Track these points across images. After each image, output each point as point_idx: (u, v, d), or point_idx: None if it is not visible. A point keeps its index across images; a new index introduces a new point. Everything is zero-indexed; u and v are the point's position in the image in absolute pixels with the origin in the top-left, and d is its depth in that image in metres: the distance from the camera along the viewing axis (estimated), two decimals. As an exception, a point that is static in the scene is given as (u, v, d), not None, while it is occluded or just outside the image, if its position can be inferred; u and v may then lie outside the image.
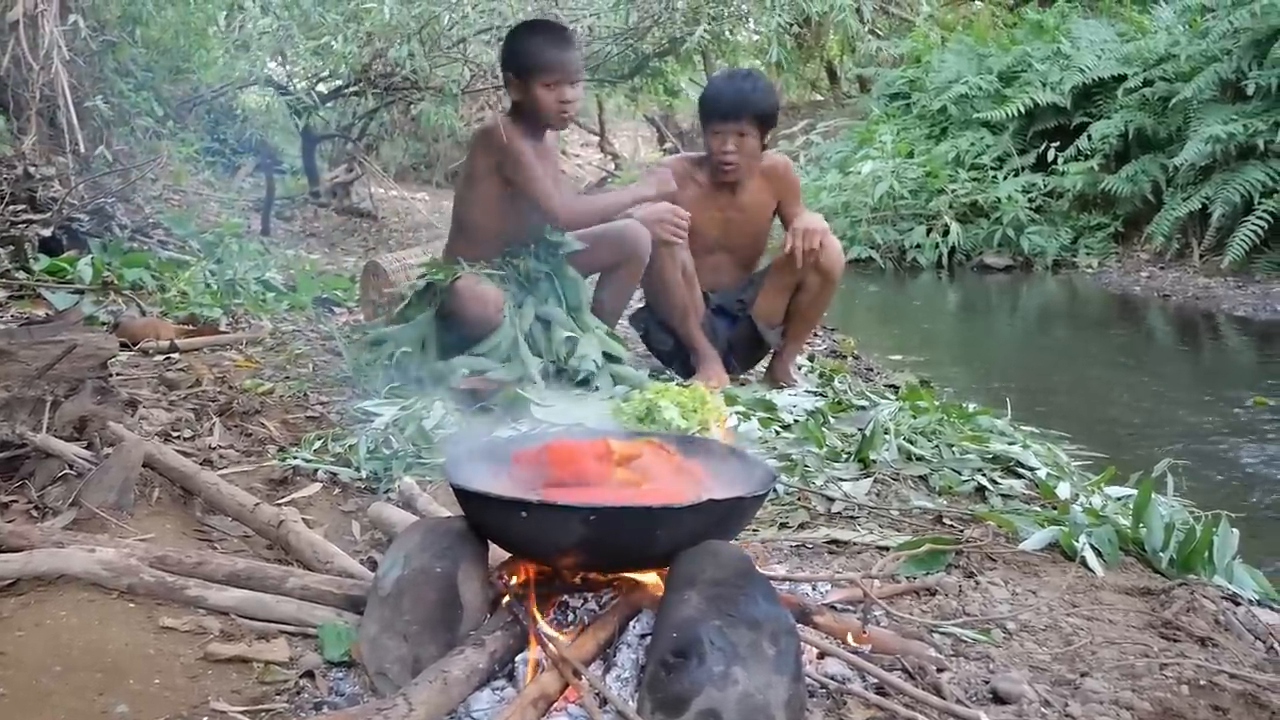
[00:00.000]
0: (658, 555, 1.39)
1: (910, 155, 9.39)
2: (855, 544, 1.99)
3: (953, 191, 8.85)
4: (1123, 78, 8.71)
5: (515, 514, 1.37)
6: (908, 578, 1.85)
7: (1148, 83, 8.50)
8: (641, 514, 1.36)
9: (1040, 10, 11.43)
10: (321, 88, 7.41)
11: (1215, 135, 7.31)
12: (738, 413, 2.78)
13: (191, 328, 3.55)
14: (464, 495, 1.44)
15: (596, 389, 3.02)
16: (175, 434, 2.45)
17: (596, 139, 19.48)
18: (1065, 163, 8.69)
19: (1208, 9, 8.73)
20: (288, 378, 3.02)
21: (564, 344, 3.00)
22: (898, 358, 4.92)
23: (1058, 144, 8.86)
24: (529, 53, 3.08)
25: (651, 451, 1.56)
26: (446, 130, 8.95)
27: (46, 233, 4.15)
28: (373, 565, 1.84)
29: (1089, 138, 8.60)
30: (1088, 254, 8.30)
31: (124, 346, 3.20)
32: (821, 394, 3.23)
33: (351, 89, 7.00)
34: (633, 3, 6.56)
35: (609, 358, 3.13)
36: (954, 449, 2.62)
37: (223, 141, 9.42)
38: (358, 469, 2.33)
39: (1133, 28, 9.52)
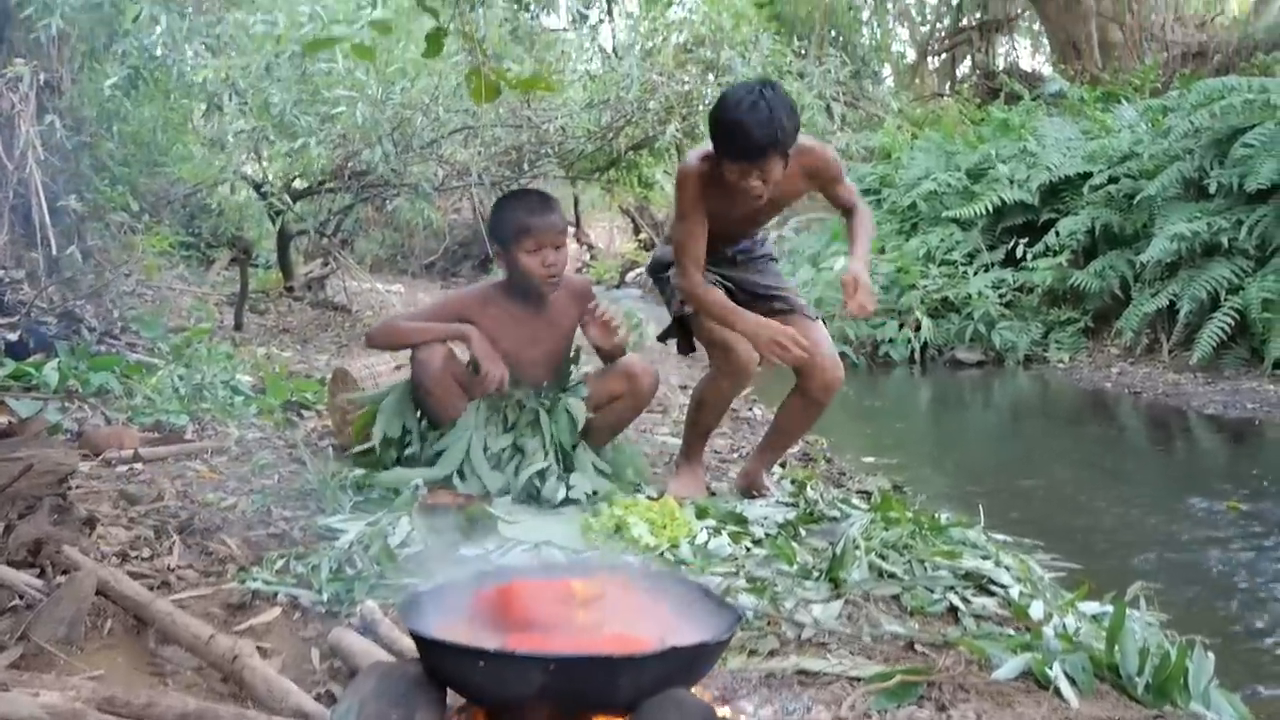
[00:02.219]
0: (620, 704, 1.36)
1: (882, 251, 9.48)
2: (826, 674, 1.95)
3: (924, 287, 8.92)
4: (1088, 175, 8.86)
5: (473, 662, 1.34)
6: (879, 712, 1.81)
7: (1113, 180, 8.64)
8: (603, 663, 1.33)
9: (1006, 109, 11.67)
10: (297, 183, 7.44)
11: (1180, 233, 7.43)
12: (708, 528, 2.75)
13: (156, 435, 3.51)
14: (421, 641, 1.40)
15: (566, 503, 3.00)
16: (134, 553, 2.40)
17: (573, 230, 19.63)
18: (1034, 259, 8.79)
19: (1169, 109, 8.93)
20: (251, 491, 2.97)
21: (535, 477, 2.98)
22: (871, 460, 4.91)
23: (1026, 240, 8.98)
24: (509, 221, 3.18)
25: (614, 591, 1.52)
26: (422, 224, 9.01)
27: (13, 336, 4.11)
28: (330, 700, 1.79)
29: (1057, 234, 8.71)
30: (1058, 349, 8.36)
31: (86, 457, 3.16)
32: (793, 504, 3.20)
33: (326, 186, 7.03)
34: (606, 104, 6.64)
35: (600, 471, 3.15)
36: (926, 565, 2.59)
37: (197, 235, 9.45)
38: (319, 591, 2.27)
39: (1097, 126, 9.72)
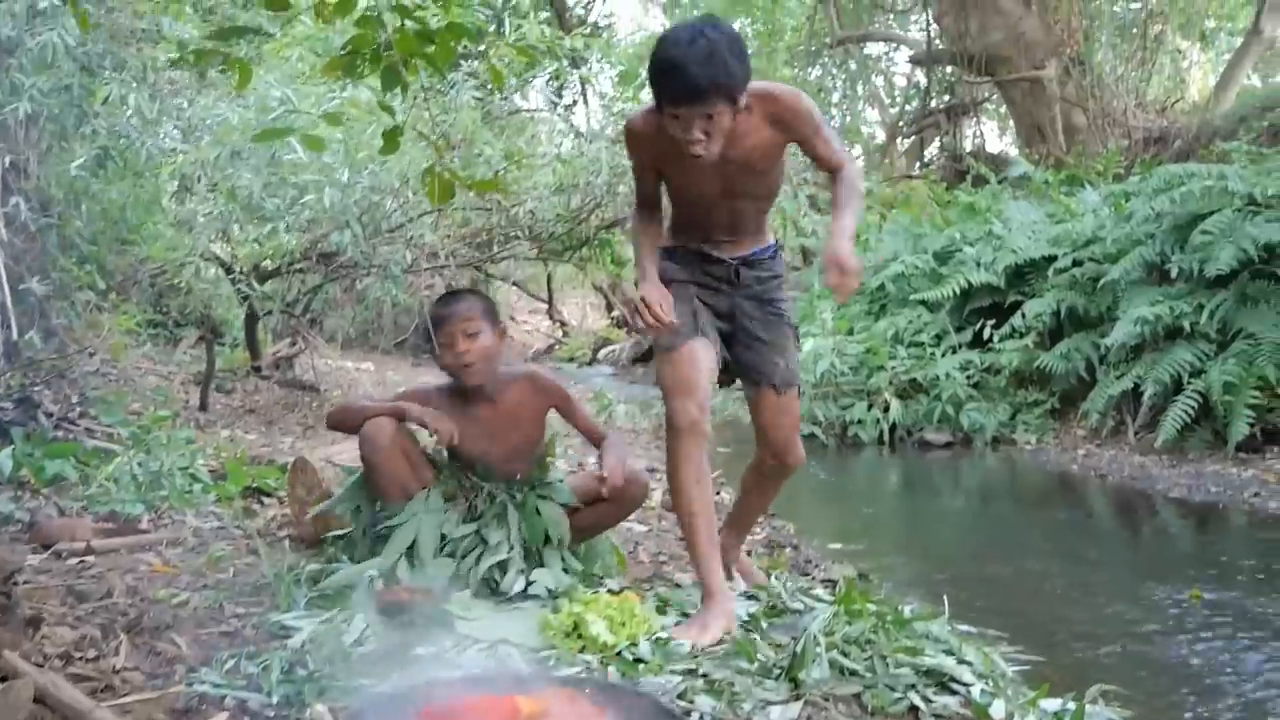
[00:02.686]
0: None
1: (850, 332, 9.55)
2: (781, 784, 1.92)
3: (893, 368, 8.97)
4: (1053, 258, 8.97)
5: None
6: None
7: (1077, 263, 8.75)
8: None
9: (973, 191, 11.85)
10: (266, 264, 7.44)
11: (1143, 316, 7.51)
12: (668, 625, 2.72)
13: (111, 526, 3.45)
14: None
15: (526, 596, 2.96)
16: (78, 655, 2.34)
17: (546, 307, 19.72)
18: (1001, 340, 8.87)
19: (1130, 194, 9.08)
20: (204, 586, 2.92)
21: (494, 568, 2.94)
22: (838, 546, 4.89)
23: (993, 322, 9.06)
24: (428, 323, 3.24)
25: (561, 707, 1.50)
26: (391, 303, 9.00)
27: (-33, 423, 4.07)
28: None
29: (1023, 316, 8.79)
30: (1026, 430, 8.40)
31: (36, 550, 3.11)
32: (756, 597, 3.17)
33: (295, 267, 7.03)
34: (575, 188, 6.70)
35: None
36: (888, 661, 2.56)
37: (165, 314, 9.41)
38: (269, 694, 2.23)
39: (1061, 209, 9.87)
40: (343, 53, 2.53)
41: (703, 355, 2.89)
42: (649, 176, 2.97)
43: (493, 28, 7.47)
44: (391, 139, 2.28)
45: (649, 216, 3.02)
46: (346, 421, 3.21)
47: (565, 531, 3.11)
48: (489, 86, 7.50)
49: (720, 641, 2.65)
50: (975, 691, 2.43)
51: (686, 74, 2.53)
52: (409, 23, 2.41)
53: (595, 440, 3.34)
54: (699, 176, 2.82)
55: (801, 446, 3.13)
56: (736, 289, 3.03)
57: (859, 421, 8.68)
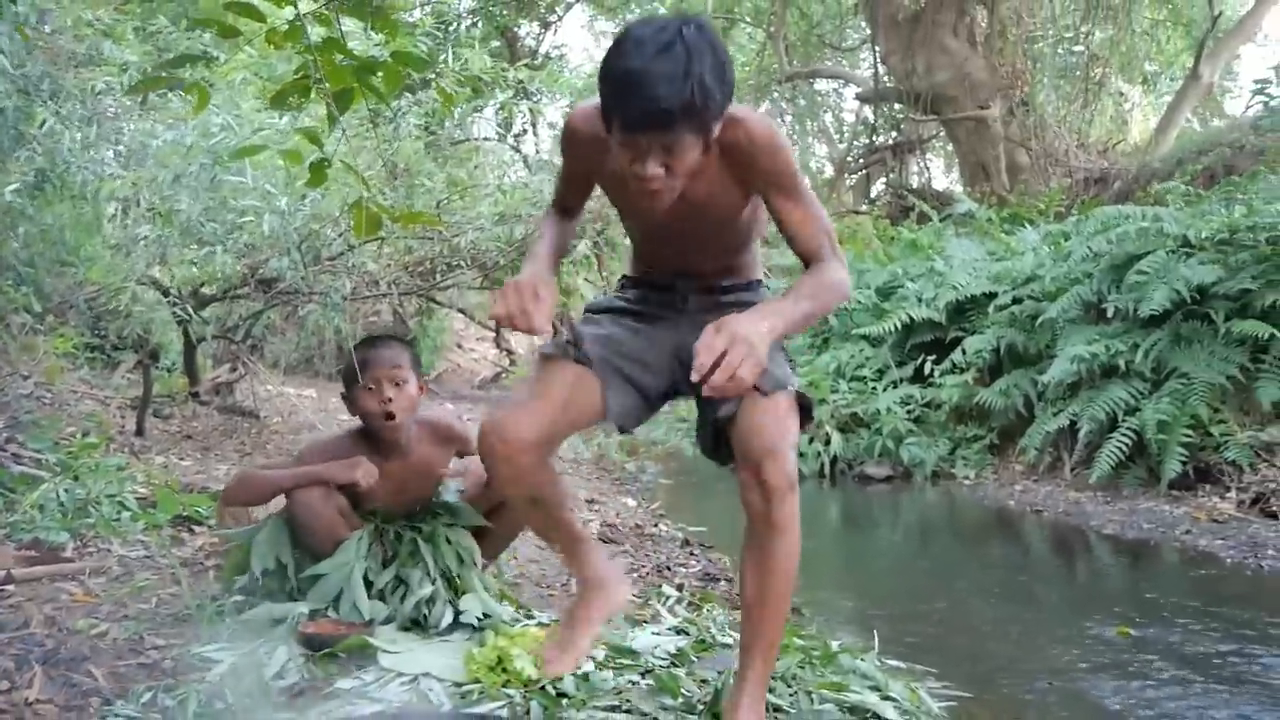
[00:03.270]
0: None
1: (791, 365, 9.61)
2: (697, 821, 1.92)
3: (834, 402, 9.04)
4: (994, 295, 9.11)
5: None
6: None
7: (1017, 300, 8.89)
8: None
9: (916, 228, 12.02)
10: (206, 289, 7.37)
11: (1080, 355, 7.63)
12: (593, 658, 2.71)
13: (33, 554, 3.39)
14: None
15: (455, 627, 2.94)
16: (-9, 686, 2.30)
17: (493, 335, 19.67)
18: (941, 375, 8.98)
19: (1068, 234, 9.26)
20: (125, 616, 2.88)
21: (421, 604, 2.91)
22: (773, 579, 4.90)
23: (934, 357, 9.18)
24: (349, 364, 3.10)
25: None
26: (334, 330, 8.95)
27: (-110, 447, 3.98)
28: None
29: (963, 352, 8.91)
30: (965, 465, 8.49)
31: (-46, 578, 3.04)
32: (686, 631, 3.18)
33: (234, 293, 6.97)
34: (518, 218, 6.71)
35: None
36: (813, 697, 2.58)
37: (103, 337, 9.28)
38: (185, 728, 2.20)
39: (1002, 247, 10.03)
40: (295, 77, 2.54)
41: (573, 387, 2.31)
42: (577, 186, 2.43)
43: (440, 58, 7.49)
44: (318, 171, 2.28)
45: (560, 217, 2.48)
46: (251, 494, 3.11)
47: (476, 553, 3.10)
48: (436, 116, 7.52)
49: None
50: (897, 728, 2.44)
51: (650, 90, 1.87)
52: (344, 57, 2.42)
53: None
54: (644, 209, 2.15)
55: (793, 463, 2.19)
56: (683, 315, 2.41)
57: (800, 454, 8.70)
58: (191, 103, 5.76)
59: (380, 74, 2.52)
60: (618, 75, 1.93)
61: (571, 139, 2.29)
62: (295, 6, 2.50)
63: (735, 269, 2.47)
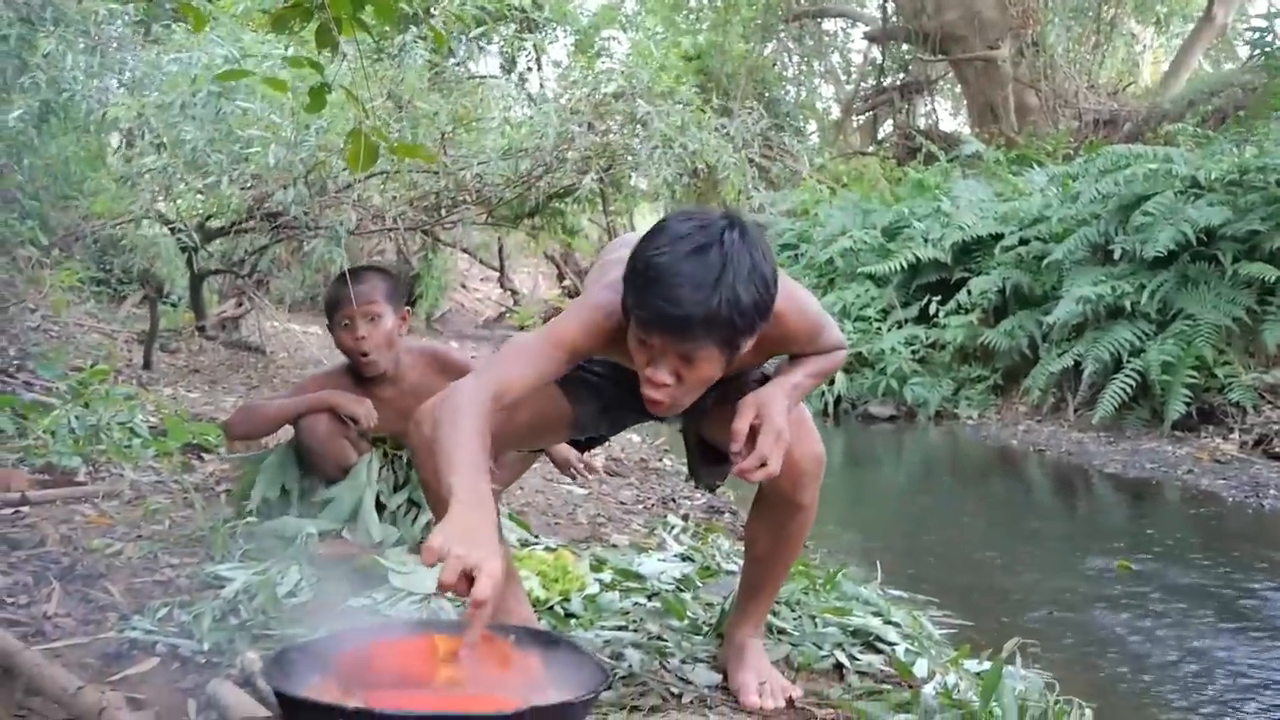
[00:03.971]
0: (482, 763, 1.35)
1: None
2: (704, 732, 1.96)
3: (839, 342, 9.05)
4: (1000, 236, 9.09)
5: (333, 720, 1.33)
6: (753, 771, 1.82)
7: (1023, 242, 8.87)
8: (463, 723, 1.33)
9: (923, 168, 11.95)
10: (212, 223, 7.36)
11: (1085, 296, 7.63)
12: (600, 581, 2.75)
13: (47, 478, 3.43)
14: (282, 699, 1.39)
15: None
16: (10, 600, 2.34)
17: (497, 275, 19.66)
18: (946, 316, 8.98)
19: (1077, 175, 9.21)
20: (139, 536, 2.91)
21: (426, 527, 2.93)
22: (777, 513, 4.94)
23: (939, 298, 9.18)
24: (326, 301, 3.10)
25: (484, 648, 1.52)
26: (338, 268, 8.93)
27: (-97, 373, 4.01)
28: (201, 755, 1.76)
29: (969, 293, 8.91)
30: (969, 405, 8.52)
31: (-31, 499, 3.08)
32: (691, 558, 3.21)
33: (240, 226, 6.96)
34: (523, 152, 6.68)
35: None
36: (816, 620, 2.61)
37: (109, 271, 9.29)
38: (200, 641, 2.23)
39: (1009, 189, 9.98)
40: (288, 4, 2.53)
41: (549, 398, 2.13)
42: (568, 362, 1.95)
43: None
44: (319, 96, 2.27)
45: (487, 410, 1.78)
46: (255, 426, 3.11)
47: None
48: (440, 50, 7.45)
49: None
50: (900, 651, 2.48)
51: (672, 292, 1.71)
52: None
53: None
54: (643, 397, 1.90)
55: (819, 441, 2.13)
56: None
57: (804, 394, 8.75)
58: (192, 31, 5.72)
59: (370, 6, 2.50)
60: (644, 268, 1.76)
61: (602, 333, 1.92)
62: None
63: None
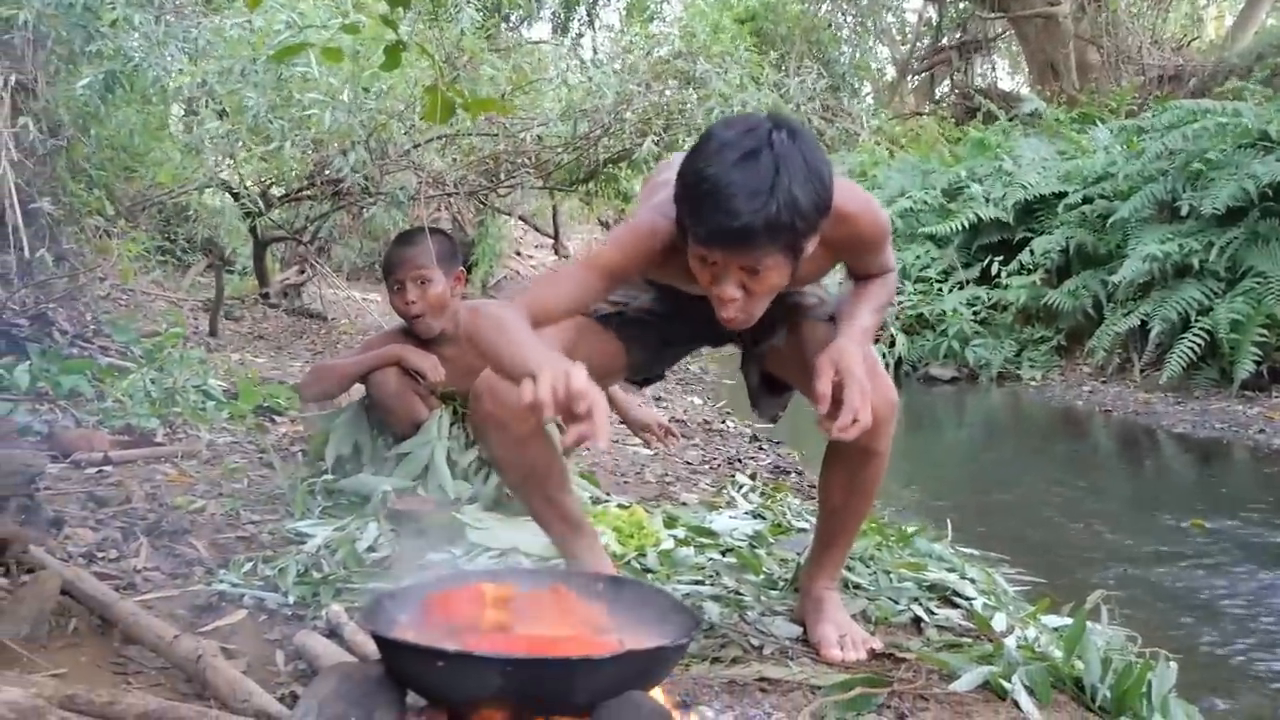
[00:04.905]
0: (578, 705, 1.37)
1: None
2: (787, 682, 1.96)
3: (899, 304, 8.98)
4: (1063, 195, 8.95)
5: (431, 663, 1.35)
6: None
7: (1087, 200, 8.73)
8: (560, 665, 1.34)
9: (983, 128, 11.78)
10: (274, 190, 7.43)
11: (1152, 254, 7.50)
12: (674, 537, 2.76)
13: (127, 438, 3.49)
14: (380, 641, 1.41)
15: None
16: (100, 554, 2.39)
17: (551, 241, 19.69)
18: (1008, 276, 8.87)
19: (1142, 130, 9.03)
20: (220, 494, 2.97)
21: (498, 488, 2.95)
22: (842, 473, 4.93)
23: (1001, 258, 9.06)
24: (383, 264, 3.17)
25: (574, 596, 1.54)
26: (396, 231, 8.99)
27: (-17, 338, 4.10)
28: (293, 700, 1.79)
29: (1031, 253, 8.79)
30: (1031, 367, 8.42)
31: (55, 459, 3.15)
32: (762, 516, 3.22)
33: (302, 193, 7.02)
34: (582, 113, 6.66)
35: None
36: (891, 576, 2.61)
37: (173, 240, 9.41)
38: (285, 594, 2.28)
39: (1072, 146, 9.81)
40: None
41: (581, 335, 2.11)
42: (606, 287, 1.95)
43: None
44: (394, 55, 2.27)
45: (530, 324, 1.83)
46: (326, 385, 3.15)
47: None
48: (495, 12, 7.44)
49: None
50: (978, 605, 2.47)
51: (729, 204, 1.67)
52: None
53: None
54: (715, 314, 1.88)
55: (892, 385, 2.08)
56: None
57: (865, 356, 8.69)
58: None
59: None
60: (694, 182, 1.72)
61: (638, 250, 1.91)
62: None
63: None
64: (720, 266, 1.75)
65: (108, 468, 3.13)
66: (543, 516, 2.19)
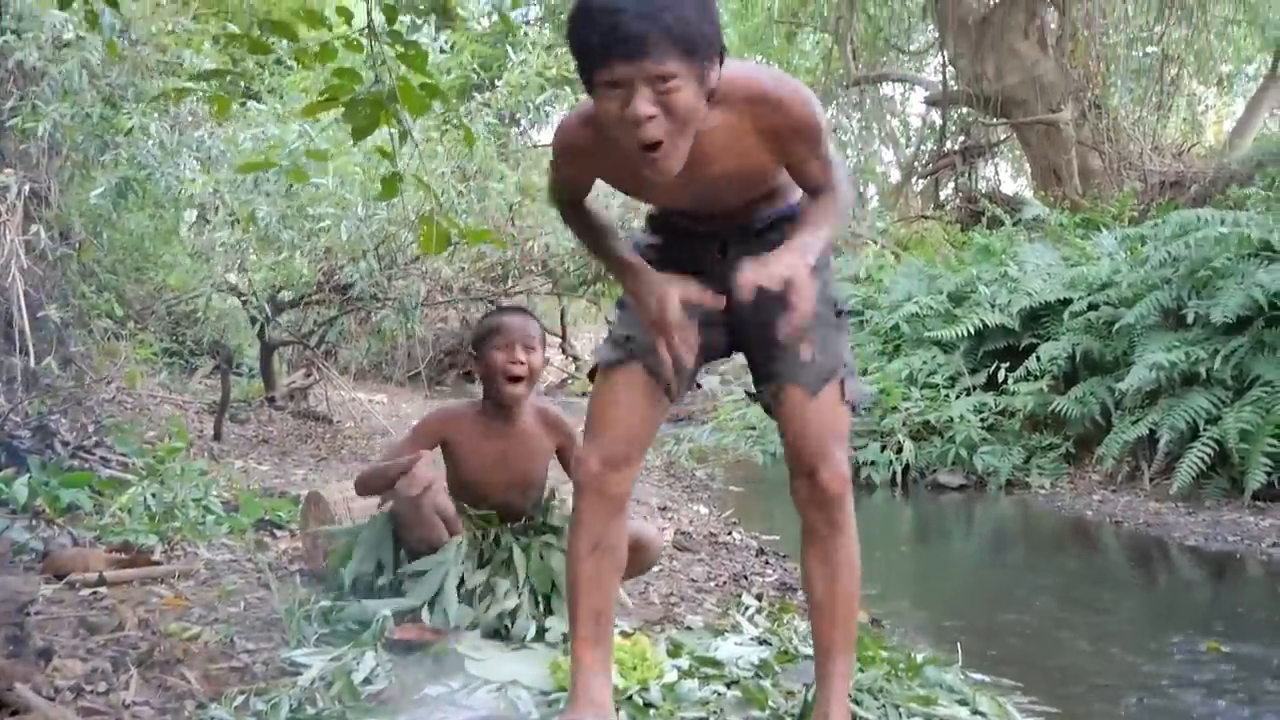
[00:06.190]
0: None
1: (865, 372, 9.53)
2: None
3: (906, 409, 8.94)
4: (1068, 301, 8.95)
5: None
6: None
7: (1093, 307, 8.72)
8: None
9: (988, 233, 11.86)
10: (283, 295, 7.48)
11: (1158, 362, 7.47)
12: (678, 668, 2.70)
13: (123, 557, 3.45)
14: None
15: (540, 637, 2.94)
16: (89, 688, 2.34)
17: (559, 341, 19.77)
18: (1015, 383, 8.83)
19: (1145, 238, 9.08)
20: (216, 620, 2.92)
21: (505, 615, 2.90)
22: (850, 589, 4.85)
23: (1008, 364, 9.03)
24: (484, 326, 3.19)
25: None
26: (405, 335, 9.04)
27: (-16, 450, 4.08)
28: None
29: (1038, 359, 8.76)
30: (1040, 474, 8.35)
31: (49, 580, 3.11)
32: (768, 642, 3.15)
33: (311, 299, 7.07)
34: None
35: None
36: (901, 711, 2.54)
37: (181, 342, 9.46)
38: (278, 732, 2.22)
39: (1076, 252, 9.86)
40: (321, 98, 2.59)
41: (638, 389, 2.22)
42: (577, 187, 2.23)
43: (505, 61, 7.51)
44: (390, 185, 2.30)
45: (583, 210, 2.25)
46: (369, 488, 3.17)
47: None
48: (504, 118, 7.55)
49: None
50: (990, 743, 2.40)
51: (616, 11, 1.72)
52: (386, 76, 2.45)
53: None
54: (661, 196, 2.14)
55: (845, 464, 2.20)
56: (725, 264, 2.16)
57: (872, 463, 8.64)
58: (274, 109, 5.84)
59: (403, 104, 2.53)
60: (579, 6, 1.80)
61: (566, 146, 2.11)
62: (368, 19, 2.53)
63: (771, 197, 2.23)
64: (625, 86, 1.78)
65: (102, 589, 3.09)
66: (581, 604, 2.22)
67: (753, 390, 2.34)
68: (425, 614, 2.86)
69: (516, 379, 3.11)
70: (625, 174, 2.04)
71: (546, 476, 3.28)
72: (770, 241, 2.08)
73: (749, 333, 2.25)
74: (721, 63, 1.86)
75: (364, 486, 3.18)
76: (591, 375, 2.35)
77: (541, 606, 3.00)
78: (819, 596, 2.25)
